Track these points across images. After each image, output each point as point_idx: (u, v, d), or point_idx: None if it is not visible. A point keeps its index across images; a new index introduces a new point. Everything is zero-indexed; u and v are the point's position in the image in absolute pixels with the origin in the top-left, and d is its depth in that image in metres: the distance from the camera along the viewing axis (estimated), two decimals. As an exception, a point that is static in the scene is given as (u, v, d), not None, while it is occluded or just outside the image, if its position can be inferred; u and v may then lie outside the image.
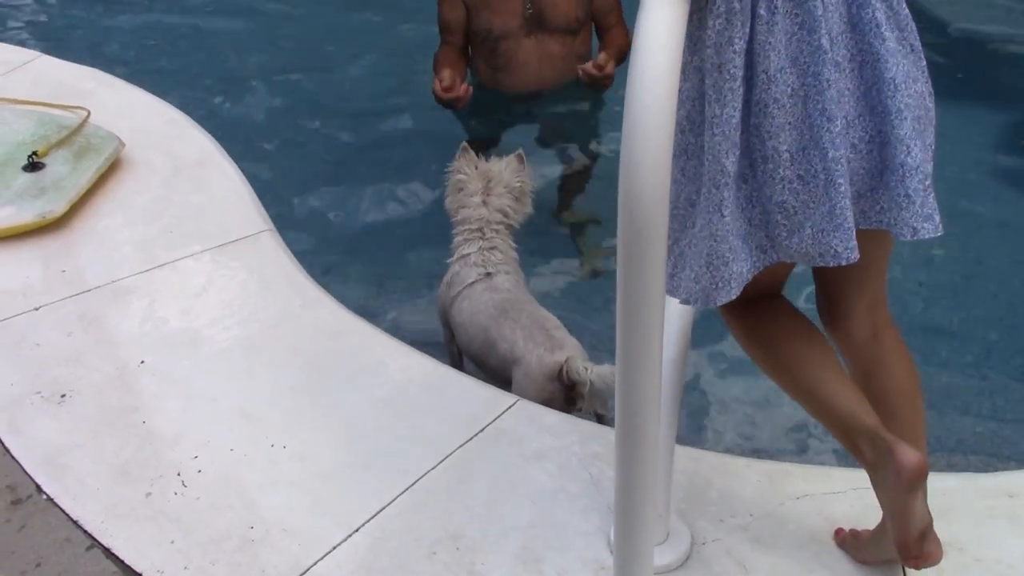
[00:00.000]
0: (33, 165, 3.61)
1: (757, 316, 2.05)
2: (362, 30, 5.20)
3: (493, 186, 3.21)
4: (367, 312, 3.19)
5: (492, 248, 3.16)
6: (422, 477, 2.56)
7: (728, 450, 2.78)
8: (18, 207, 3.43)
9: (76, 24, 5.30)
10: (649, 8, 1.61)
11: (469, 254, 3.15)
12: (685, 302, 1.90)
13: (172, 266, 3.29)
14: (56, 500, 2.54)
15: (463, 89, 3.78)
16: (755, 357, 2.08)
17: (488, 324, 2.99)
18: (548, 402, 2.82)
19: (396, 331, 3.11)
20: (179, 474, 2.59)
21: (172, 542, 2.42)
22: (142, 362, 2.93)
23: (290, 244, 3.42)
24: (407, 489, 2.53)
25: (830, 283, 2.06)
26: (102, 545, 2.43)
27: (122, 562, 2.38)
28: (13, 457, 2.66)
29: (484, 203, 3.19)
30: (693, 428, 2.90)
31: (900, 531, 1.93)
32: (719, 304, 1.85)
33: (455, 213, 3.25)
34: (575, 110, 4.16)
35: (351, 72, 4.87)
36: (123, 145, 3.78)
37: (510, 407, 2.75)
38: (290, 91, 4.73)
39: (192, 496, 2.54)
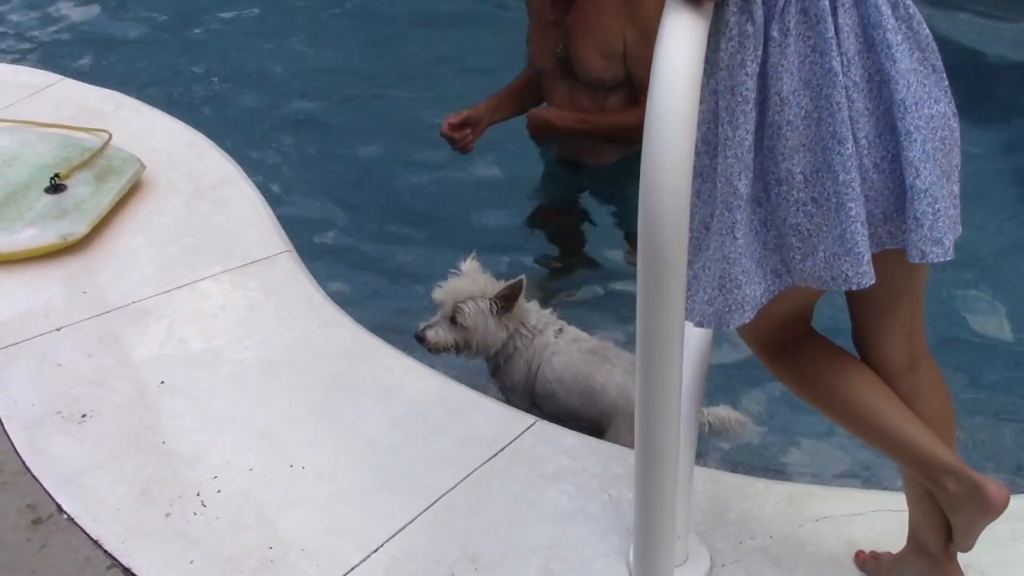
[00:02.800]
0: (55, 187, 3.64)
1: (800, 358, 2.04)
2: (388, 53, 5.21)
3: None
4: (385, 332, 3.19)
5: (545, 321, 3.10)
6: (441, 497, 2.57)
7: (747, 471, 2.77)
8: (40, 228, 3.46)
9: (97, 47, 5.34)
10: (669, 30, 1.63)
11: (525, 333, 3.07)
12: (699, 325, 1.89)
13: (192, 287, 3.31)
14: (76, 520, 2.55)
15: (461, 135, 3.65)
16: (809, 400, 2.06)
17: (589, 371, 2.96)
18: None
19: (414, 351, 3.11)
20: (198, 494, 2.60)
21: (191, 562, 2.43)
22: (162, 382, 2.94)
23: (309, 265, 3.43)
24: (426, 509, 2.53)
25: (862, 311, 2.03)
26: (122, 565, 2.44)
27: (141, 582, 2.40)
28: (34, 476, 2.68)
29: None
30: (711, 449, 2.89)
31: (963, 546, 2.04)
32: (732, 327, 1.85)
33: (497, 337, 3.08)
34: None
35: (374, 96, 4.89)
36: (144, 167, 3.80)
37: (529, 427, 2.76)
38: (312, 114, 4.75)
39: (212, 516, 2.54)
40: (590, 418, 2.96)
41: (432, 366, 3.02)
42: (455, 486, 2.59)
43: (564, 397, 3.00)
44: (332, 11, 5.64)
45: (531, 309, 3.10)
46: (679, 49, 1.62)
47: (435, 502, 2.55)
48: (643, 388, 1.79)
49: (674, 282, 1.70)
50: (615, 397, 2.91)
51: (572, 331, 3.09)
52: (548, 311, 3.14)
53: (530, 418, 2.80)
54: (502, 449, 2.69)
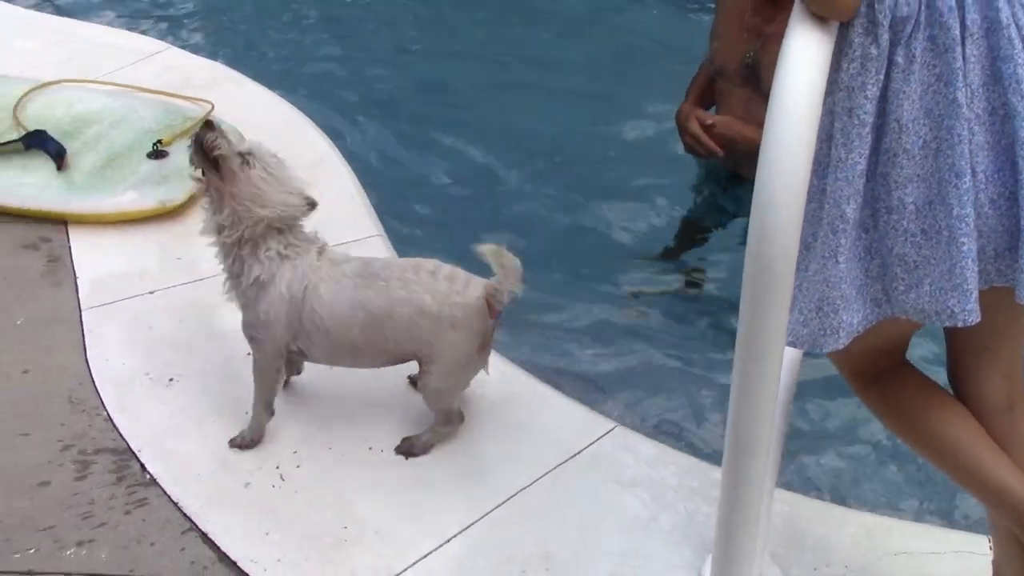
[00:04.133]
0: (157, 153, 3.71)
1: (892, 390, 2.01)
2: (490, 47, 5.22)
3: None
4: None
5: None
6: (516, 494, 2.57)
7: (826, 498, 2.73)
8: (141, 193, 3.53)
9: (205, 18, 5.41)
10: (792, 49, 1.62)
11: (260, 257, 2.57)
12: (791, 345, 1.86)
13: (283, 262, 3.35)
14: (158, 480, 2.60)
15: (706, 141, 3.47)
16: (899, 432, 2.04)
17: (364, 298, 2.56)
18: (483, 347, 2.61)
19: (497, 344, 3.12)
20: (278, 467, 2.64)
21: (267, 534, 2.46)
22: (248, 353, 2.97)
23: (398, 249, 3.45)
24: (500, 505, 2.54)
25: (962, 347, 1.99)
26: (199, 529, 2.48)
27: (218, 548, 2.43)
28: (120, 434, 2.73)
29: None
30: (793, 471, 2.85)
31: None
32: (826, 351, 1.83)
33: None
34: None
35: (482, 83, 4.90)
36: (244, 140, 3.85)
37: (608, 432, 2.76)
38: (412, 97, 4.76)
39: (290, 490, 2.58)
40: (384, 352, 2.63)
41: (515, 361, 3.02)
42: (531, 484, 2.60)
43: (340, 335, 2.59)
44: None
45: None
46: (802, 68, 1.62)
47: (510, 498, 2.56)
48: (738, 403, 1.78)
49: (779, 300, 1.69)
50: (405, 319, 2.53)
51: (323, 254, 2.64)
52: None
53: (610, 422, 2.80)
54: (580, 452, 2.69)
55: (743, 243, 1.73)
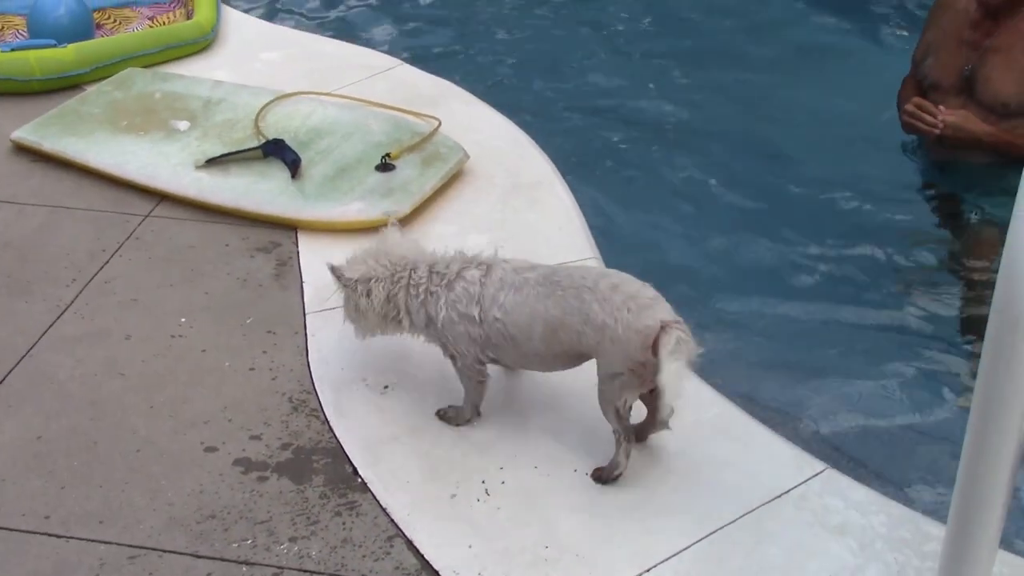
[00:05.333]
0: (385, 166, 3.83)
1: None
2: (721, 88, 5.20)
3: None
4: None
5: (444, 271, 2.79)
6: (719, 530, 2.53)
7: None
8: (367, 203, 3.65)
9: (437, 37, 5.58)
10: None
11: (433, 273, 2.79)
12: None
13: (499, 279, 3.40)
14: (369, 485, 2.67)
15: (923, 115, 3.79)
16: None
17: (543, 307, 2.64)
18: (638, 375, 2.56)
19: (706, 372, 3.08)
20: (484, 482, 2.67)
21: (470, 546, 2.50)
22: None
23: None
24: (703, 539, 2.51)
25: None
26: (405, 536, 2.54)
27: (422, 556, 2.48)
28: (335, 436, 2.82)
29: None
30: (1013, 533, 2.71)
31: None
32: None
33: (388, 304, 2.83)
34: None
35: (709, 106, 4.91)
36: (467, 157, 3.95)
37: (818, 474, 2.68)
38: (635, 122, 4.78)
39: (494, 505, 2.61)
40: (553, 357, 2.71)
41: (726, 393, 2.98)
42: (735, 520, 2.55)
43: (524, 341, 2.69)
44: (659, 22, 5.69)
45: (415, 259, 2.82)
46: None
47: (713, 532, 2.52)
48: (971, 456, 1.70)
49: (1022, 357, 1.61)
50: (576, 326, 2.60)
51: (503, 260, 2.78)
52: (449, 251, 2.84)
53: (820, 464, 2.72)
54: (787, 492, 2.63)
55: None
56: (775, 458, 2.75)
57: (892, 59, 4.74)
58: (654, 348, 2.51)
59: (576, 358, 2.72)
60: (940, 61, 3.89)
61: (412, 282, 2.79)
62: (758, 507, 2.59)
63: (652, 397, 2.68)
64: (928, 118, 3.77)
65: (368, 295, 2.81)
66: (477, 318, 2.72)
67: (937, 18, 3.99)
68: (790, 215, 4.12)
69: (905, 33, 5.34)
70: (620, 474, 2.67)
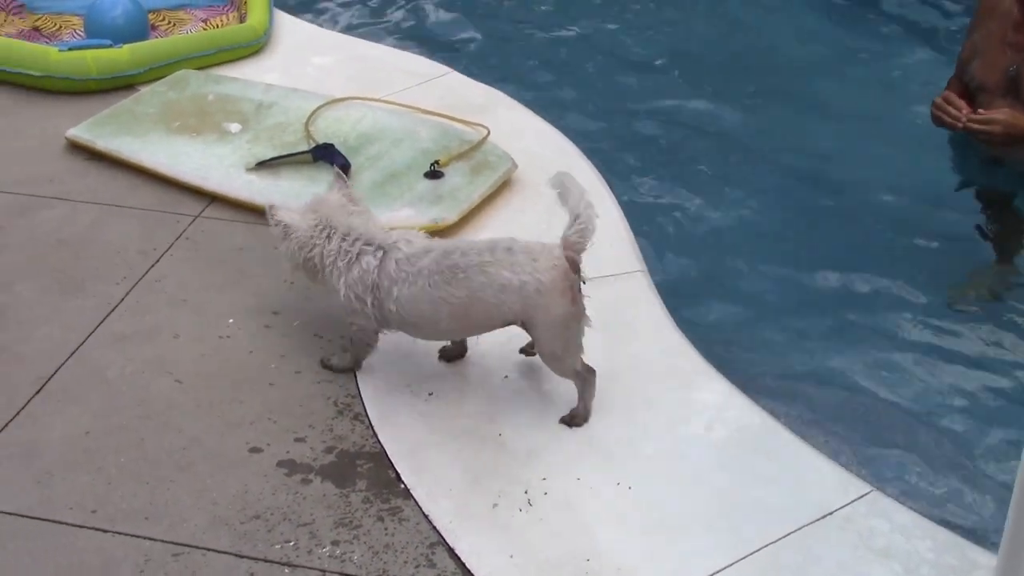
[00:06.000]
0: (434, 173, 3.85)
1: None
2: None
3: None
4: (728, 366, 3.17)
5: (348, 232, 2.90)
6: (762, 549, 2.52)
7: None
8: (416, 210, 3.66)
9: (487, 45, 5.59)
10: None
11: (342, 248, 2.89)
12: None
13: (545, 289, 3.40)
14: (412, 491, 2.69)
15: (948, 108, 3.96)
16: None
17: (445, 294, 2.75)
18: (575, 300, 2.74)
19: (749, 387, 3.08)
20: (526, 492, 2.68)
21: (511, 556, 2.51)
22: (505, 377, 3.05)
23: (661, 288, 3.45)
24: (745, 557, 2.50)
25: None
26: (447, 544, 2.55)
27: (464, 565, 2.49)
28: (379, 441, 2.84)
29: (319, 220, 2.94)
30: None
31: None
32: None
33: (299, 253, 2.96)
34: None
35: (757, 120, 4.88)
36: (515, 166, 3.95)
37: (863, 495, 2.66)
38: (682, 134, 4.77)
39: (536, 516, 2.61)
40: (478, 327, 2.90)
41: (769, 410, 2.97)
42: (779, 540, 2.54)
43: (432, 320, 2.85)
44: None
45: (336, 225, 2.91)
46: None
47: (756, 551, 2.51)
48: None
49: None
50: (491, 296, 2.73)
51: (402, 244, 2.86)
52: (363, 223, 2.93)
53: (865, 485, 2.70)
54: (832, 512, 2.62)
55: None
56: (819, 477, 2.74)
57: (937, 61, 4.90)
58: (574, 266, 2.68)
59: (499, 325, 2.85)
60: (985, 63, 4.04)
61: (325, 250, 2.91)
62: (802, 527, 2.58)
63: None
64: (952, 111, 3.95)
65: (285, 239, 2.96)
66: (370, 304, 2.87)
67: (982, 21, 4.13)
68: (836, 224, 4.14)
69: (947, 36, 5.38)
70: (590, 414, 2.85)
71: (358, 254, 2.87)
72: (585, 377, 2.85)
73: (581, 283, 2.77)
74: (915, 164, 4.38)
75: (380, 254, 2.85)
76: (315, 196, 3.09)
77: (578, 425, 2.85)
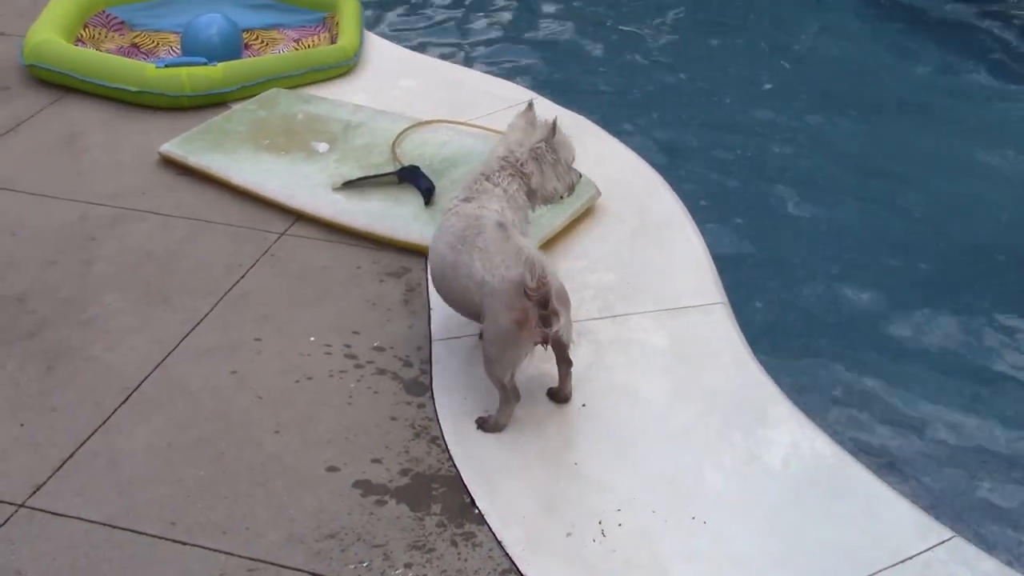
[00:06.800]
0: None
1: None
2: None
3: (519, 140, 3.14)
4: (807, 401, 3.14)
5: (487, 188, 3.08)
6: (837, 590, 2.48)
7: None
8: (498, 234, 3.67)
9: (575, 72, 5.62)
10: None
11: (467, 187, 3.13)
12: None
13: (624, 319, 3.40)
14: (486, 517, 2.69)
15: None
16: None
17: (445, 251, 2.98)
18: (521, 325, 2.77)
19: (827, 423, 3.05)
20: (600, 522, 2.67)
21: (583, 586, 2.50)
22: (583, 405, 3.04)
23: (741, 320, 3.43)
24: (820, 598, 2.46)
25: None
26: (519, 572, 2.55)
27: (535, 593, 2.49)
28: (455, 464, 2.85)
29: (506, 151, 3.13)
30: None
31: None
32: None
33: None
34: None
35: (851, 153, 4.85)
36: (599, 193, 3.96)
37: (944, 541, 2.61)
38: (771, 163, 4.75)
39: (609, 547, 2.60)
40: (455, 304, 3.04)
41: (847, 448, 2.93)
42: (855, 582, 2.50)
43: (432, 277, 3.12)
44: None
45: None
46: None
47: (831, 593, 2.47)
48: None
49: None
50: (464, 280, 2.90)
51: (471, 208, 3.03)
52: (490, 189, 3.08)
53: (947, 531, 2.65)
54: (912, 557, 2.57)
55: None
56: (897, 520, 2.69)
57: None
58: (534, 299, 2.74)
59: (475, 312, 2.95)
60: None
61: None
62: (882, 570, 2.54)
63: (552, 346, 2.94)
64: None
65: None
66: None
67: None
68: (921, 261, 4.10)
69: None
70: (502, 428, 2.93)
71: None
72: (508, 396, 2.93)
73: (549, 324, 2.77)
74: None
75: (454, 203, 3.10)
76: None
77: (486, 431, 2.94)
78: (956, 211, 4.30)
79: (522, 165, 3.10)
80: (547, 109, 4.70)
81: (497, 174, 3.10)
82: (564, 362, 3.01)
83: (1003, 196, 4.37)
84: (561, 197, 3.24)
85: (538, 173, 3.12)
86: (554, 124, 3.13)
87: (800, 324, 3.69)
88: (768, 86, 5.41)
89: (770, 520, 2.69)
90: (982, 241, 4.16)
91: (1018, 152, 4.71)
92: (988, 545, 2.72)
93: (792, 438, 2.95)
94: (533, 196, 3.15)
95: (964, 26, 5.90)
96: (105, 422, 2.99)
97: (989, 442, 3.20)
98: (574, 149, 3.23)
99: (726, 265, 3.74)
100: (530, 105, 3.21)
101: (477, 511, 2.71)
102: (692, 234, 3.84)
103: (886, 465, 3.08)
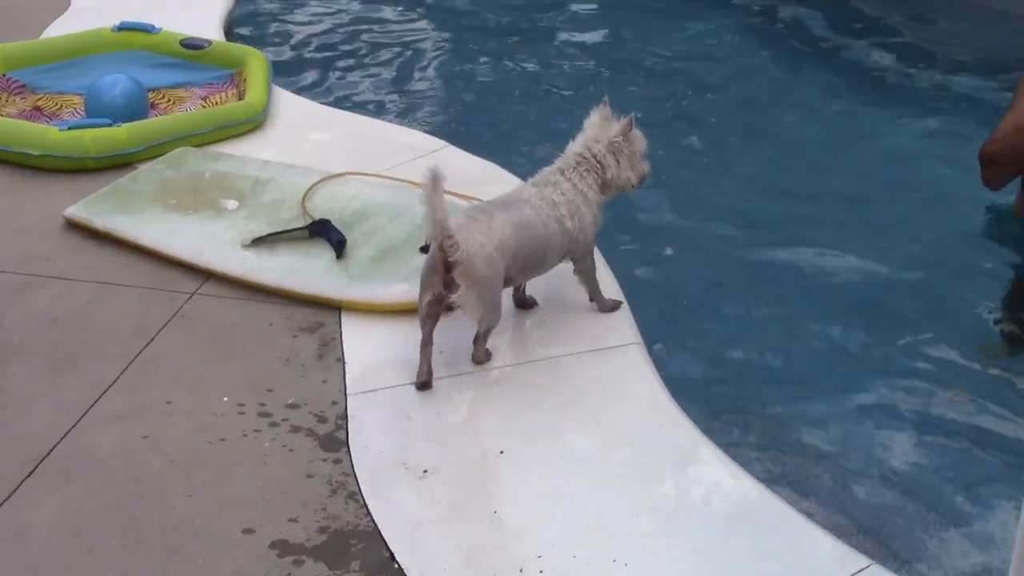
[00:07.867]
0: (428, 248, 3.84)
1: None
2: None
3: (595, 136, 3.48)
4: (724, 439, 3.16)
5: (556, 180, 3.44)
6: (761, 626, 2.48)
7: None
8: (411, 285, 3.63)
9: (482, 119, 5.65)
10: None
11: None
12: None
13: (543, 363, 3.40)
14: (406, 572, 2.65)
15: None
16: None
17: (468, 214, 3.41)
18: (429, 271, 3.20)
19: (745, 460, 3.06)
20: (521, 570, 2.64)
21: (506, 637, 2.47)
22: (501, 452, 3.02)
23: (657, 361, 3.44)
24: (744, 635, 2.46)
25: None
26: (442, 625, 2.51)
27: (458, 646, 2.45)
28: (373, 520, 2.81)
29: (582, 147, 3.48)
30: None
31: None
32: None
33: None
34: None
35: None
36: (512, 240, 3.95)
37: (862, 570, 2.63)
38: (683, 209, 4.80)
39: (531, 595, 2.58)
40: None
41: (765, 482, 2.95)
42: (778, 616, 2.50)
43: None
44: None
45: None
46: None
47: (755, 630, 2.47)
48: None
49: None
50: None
51: (515, 201, 3.42)
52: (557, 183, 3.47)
53: (863, 559, 2.67)
54: (832, 587, 2.58)
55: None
56: (819, 551, 2.71)
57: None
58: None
59: None
60: None
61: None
62: (803, 603, 2.54)
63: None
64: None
65: None
66: None
67: None
68: (829, 290, 4.18)
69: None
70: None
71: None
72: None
73: (448, 288, 3.18)
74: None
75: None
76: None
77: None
78: (865, 234, 4.40)
79: (599, 159, 3.44)
80: (457, 156, 4.74)
81: (572, 169, 3.45)
82: (478, 335, 3.35)
83: (916, 220, 4.51)
84: (633, 186, 3.55)
85: (614, 165, 3.46)
86: (631, 119, 3.46)
87: (715, 363, 3.73)
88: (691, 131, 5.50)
89: (694, 559, 2.69)
90: (891, 267, 4.24)
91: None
92: (905, 570, 2.75)
93: (712, 476, 2.95)
94: (607, 188, 3.50)
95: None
96: (11, 495, 2.90)
97: (904, 473, 3.24)
98: (645, 141, 3.54)
99: (640, 306, 3.76)
100: (605, 101, 3.52)
101: (397, 566, 2.67)
102: (606, 275, 3.85)
103: (805, 498, 3.12)
